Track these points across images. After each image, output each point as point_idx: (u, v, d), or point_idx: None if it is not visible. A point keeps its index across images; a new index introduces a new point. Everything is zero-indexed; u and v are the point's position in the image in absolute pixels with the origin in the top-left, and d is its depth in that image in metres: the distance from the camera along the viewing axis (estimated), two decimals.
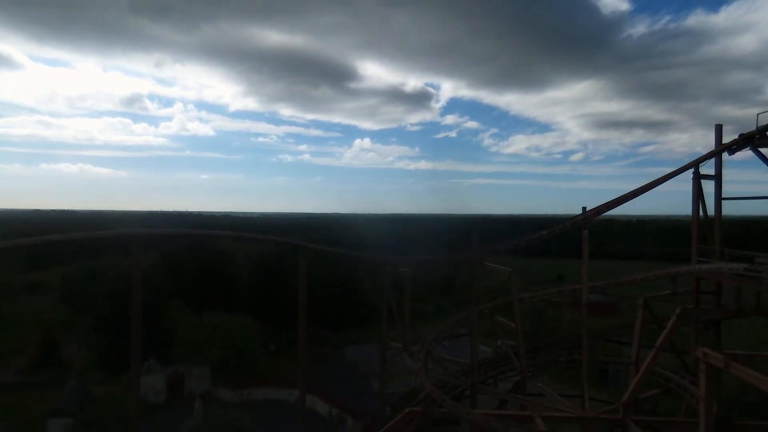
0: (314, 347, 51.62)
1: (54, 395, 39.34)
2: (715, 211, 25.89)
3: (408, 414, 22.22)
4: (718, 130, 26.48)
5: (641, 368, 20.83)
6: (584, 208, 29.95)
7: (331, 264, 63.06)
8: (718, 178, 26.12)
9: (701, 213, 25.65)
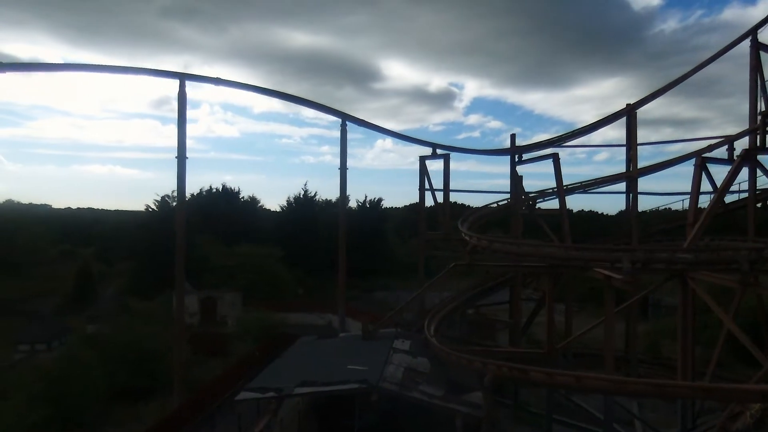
0: None
1: (92, 314, 40.00)
2: None
3: (453, 268, 21.69)
4: None
5: (700, 219, 19.74)
6: (628, 104, 29.26)
7: (359, 216, 63.03)
8: None
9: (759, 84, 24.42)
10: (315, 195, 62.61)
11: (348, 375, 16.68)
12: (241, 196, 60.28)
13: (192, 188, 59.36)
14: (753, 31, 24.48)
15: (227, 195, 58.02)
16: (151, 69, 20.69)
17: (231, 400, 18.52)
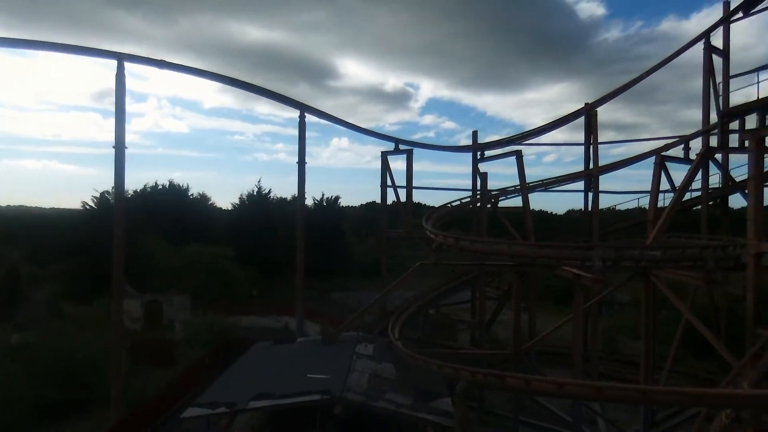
0: None
1: (18, 321, 36.24)
2: (723, 88, 25.39)
3: (419, 266, 20.82)
4: (726, 4, 26.05)
5: (662, 216, 19.89)
6: (586, 103, 29.57)
7: (317, 214, 61.27)
8: (726, 53, 25.65)
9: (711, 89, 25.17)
10: (269, 192, 60.37)
11: (308, 385, 15.39)
12: (190, 194, 57.12)
13: (137, 185, 55.65)
14: (706, 35, 25.21)
15: (175, 192, 54.73)
16: (85, 47, 18.42)
17: (177, 416, 16.74)
